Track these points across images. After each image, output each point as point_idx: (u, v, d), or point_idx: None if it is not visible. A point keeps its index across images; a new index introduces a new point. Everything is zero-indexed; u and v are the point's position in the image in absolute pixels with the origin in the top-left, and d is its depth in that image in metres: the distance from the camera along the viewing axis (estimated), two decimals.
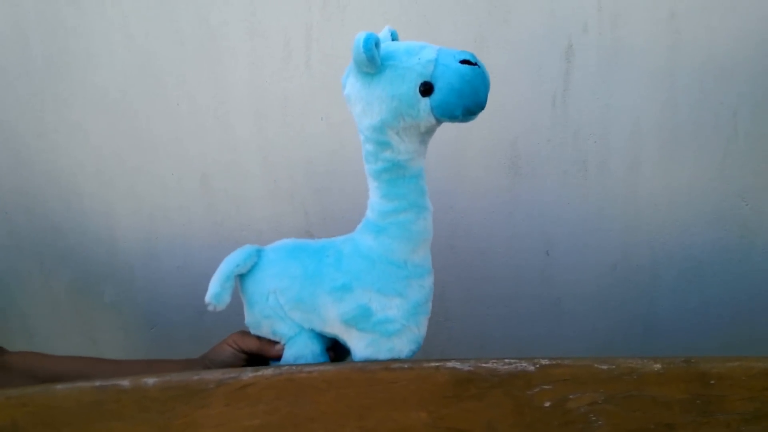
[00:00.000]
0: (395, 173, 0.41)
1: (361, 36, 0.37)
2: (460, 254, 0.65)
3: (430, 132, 0.41)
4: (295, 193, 0.66)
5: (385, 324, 0.43)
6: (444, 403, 0.42)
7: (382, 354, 0.44)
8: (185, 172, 0.67)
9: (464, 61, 0.38)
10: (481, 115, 0.39)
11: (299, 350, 0.46)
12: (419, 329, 0.44)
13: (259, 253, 0.46)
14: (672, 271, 0.64)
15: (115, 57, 0.64)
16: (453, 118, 0.39)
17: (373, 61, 0.38)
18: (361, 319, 0.43)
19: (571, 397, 0.42)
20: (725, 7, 0.55)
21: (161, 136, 0.66)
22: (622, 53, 0.57)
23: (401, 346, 0.44)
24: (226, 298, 0.44)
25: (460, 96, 0.38)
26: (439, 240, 0.60)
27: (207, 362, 0.49)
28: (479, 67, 0.38)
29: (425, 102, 0.39)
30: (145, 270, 0.70)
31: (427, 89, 0.38)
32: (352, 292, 0.43)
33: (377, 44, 0.38)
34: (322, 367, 0.43)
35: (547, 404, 0.42)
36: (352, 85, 0.40)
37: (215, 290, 0.43)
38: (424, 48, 0.39)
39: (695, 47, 0.57)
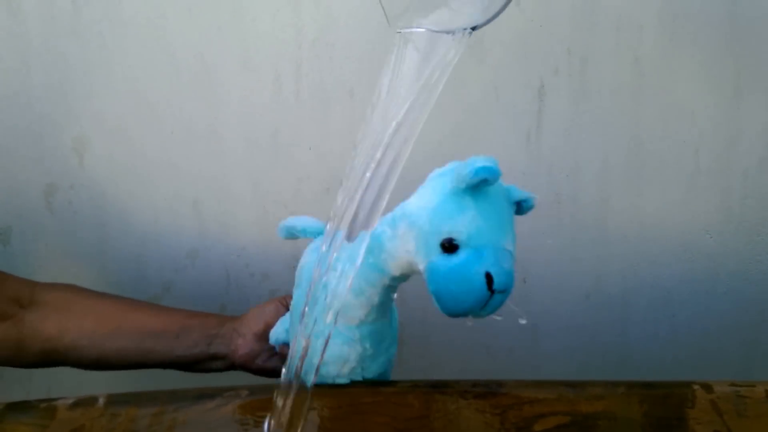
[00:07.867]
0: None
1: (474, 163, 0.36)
2: None
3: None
4: (283, 219, 0.69)
5: None
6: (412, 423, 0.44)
7: None
8: (177, 197, 0.69)
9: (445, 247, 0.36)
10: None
11: None
12: None
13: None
14: (642, 300, 0.67)
15: (113, 87, 0.67)
16: None
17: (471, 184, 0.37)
18: None
19: (538, 420, 0.44)
20: (685, 53, 0.60)
21: (155, 162, 0.69)
22: (591, 94, 0.61)
23: None
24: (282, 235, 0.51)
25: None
26: None
27: (245, 321, 0.52)
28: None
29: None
30: (133, 293, 0.71)
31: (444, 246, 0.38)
32: None
33: (483, 180, 0.36)
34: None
35: (514, 427, 0.44)
36: None
37: (284, 224, 0.51)
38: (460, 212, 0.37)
39: (658, 89, 0.61)
